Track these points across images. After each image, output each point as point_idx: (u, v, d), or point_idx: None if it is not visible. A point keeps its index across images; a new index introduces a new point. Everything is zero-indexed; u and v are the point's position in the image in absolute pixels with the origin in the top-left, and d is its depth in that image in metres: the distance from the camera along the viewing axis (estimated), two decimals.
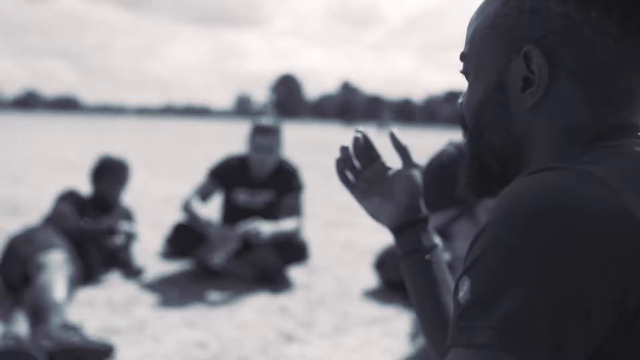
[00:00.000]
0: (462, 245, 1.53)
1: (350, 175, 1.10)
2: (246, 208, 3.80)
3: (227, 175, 3.80)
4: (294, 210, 3.75)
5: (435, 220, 1.53)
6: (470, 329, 0.58)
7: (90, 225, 3.47)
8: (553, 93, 0.70)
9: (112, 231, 3.57)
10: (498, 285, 0.57)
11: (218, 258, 3.49)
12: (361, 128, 1.09)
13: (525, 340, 0.55)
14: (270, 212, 3.79)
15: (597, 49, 0.68)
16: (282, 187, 3.81)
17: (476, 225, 1.51)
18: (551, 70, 0.69)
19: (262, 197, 3.82)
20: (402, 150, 1.07)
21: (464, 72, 0.80)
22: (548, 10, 0.69)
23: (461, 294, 0.61)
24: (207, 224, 3.50)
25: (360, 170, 1.09)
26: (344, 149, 1.07)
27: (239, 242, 3.51)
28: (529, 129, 0.73)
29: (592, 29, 0.67)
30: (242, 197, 3.81)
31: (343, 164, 1.08)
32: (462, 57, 0.80)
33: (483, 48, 0.75)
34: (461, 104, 0.81)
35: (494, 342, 0.55)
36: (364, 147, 1.08)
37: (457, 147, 1.58)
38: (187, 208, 3.61)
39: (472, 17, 0.78)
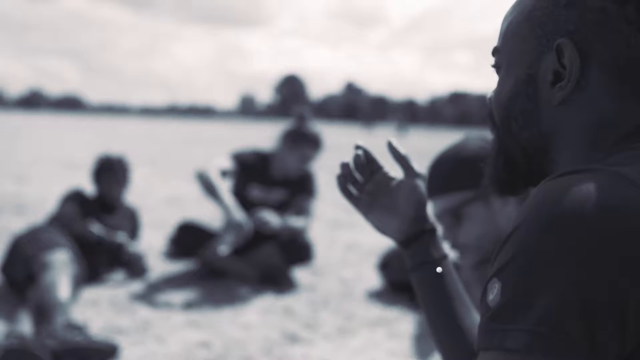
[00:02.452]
0: (470, 230, 1.53)
1: (353, 189, 1.07)
2: (259, 204, 3.74)
3: (246, 166, 3.70)
4: (303, 211, 3.74)
5: (450, 200, 1.53)
6: (503, 332, 0.57)
7: (99, 235, 3.46)
8: (583, 88, 0.69)
9: (119, 246, 3.55)
10: (530, 288, 0.56)
11: (225, 246, 3.24)
12: (361, 143, 1.06)
13: (560, 343, 0.54)
14: (282, 211, 3.78)
15: (632, 45, 0.67)
16: (297, 188, 3.79)
17: (490, 211, 1.51)
18: (583, 64, 0.69)
19: (276, 195, 3.79)
20: (402, 160, 1.03)
21: (496, 65, 0.79)
22: (584, 4, 0.68)
23: (491, 296, 0.60)
24: (226, 201, 3.26)
25: (362, 183, 1.06)
26: (344, 166, 1.05)
27: (251, 231, 3.37)
28: (557, 125, 0.72)
29: (628, 24, 0.67)
30: (257, 192, 3.76)
31: (344, 179, 1.05)
32: (495, 51, 0.79)
33: (516, 41, 0.75)
34: (490, 98, 0.80)
35: (528, 345, 0.55)
36: (365, 161, 1.05)
37: (479, 138, 1.59)
38: (204, 177, 3.34)
39: (507, 11, 0.78)
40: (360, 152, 1.04)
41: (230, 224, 3.25)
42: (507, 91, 0.76)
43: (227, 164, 3.59)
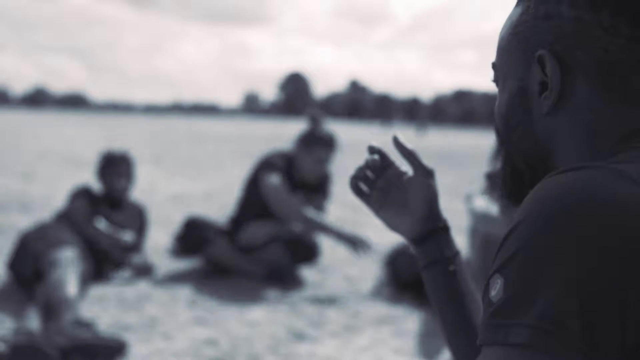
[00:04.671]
0: None
1: (364, 186, 1.06)
2: None
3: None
4: (318, 210, 3.74)
5: None
6: (506, 328, 0.57)
7: (106, 237, 3.47)
8: (569, 96, 0.71)
9: (125, 246, 3.56)
10: (532, 285, 0.57)
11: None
12: (375, 144, 1.04)
13: (561, 340, 0.55)
14: None
15: (610, 50, 0.68)
16: (315, 189, 3.80)
17: None
18: (565, 73, 0.70)
19: (299, 197, 3.77)
20: (409, 156, 1.02)
21: (495, 80, 0.82)
22: (560, 15, 0.71)
23: (493, 292, 0.60)
24: (335, 226, 3.37)
25: (373, 180, 1.05)
26: (360, 169, 1.04)
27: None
28: (552, 133, 0.74)
29: (604, 30, 0.68)
30: None
31: (357, 180, 1.04)
32: (493, 66, 0.82)
33: (507, 55, 0.78)
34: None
35: (530, 341, 0.55)
36: (379, 161, 1.04)
37: None
38: (304, 215, 3.40)
39: (502, 27, 0.81)
40: (376, 156, 1.03)
41: (357, 242, 3.31)
42: (504, 104, 0.79)
43: (278, 178, 3.54)
